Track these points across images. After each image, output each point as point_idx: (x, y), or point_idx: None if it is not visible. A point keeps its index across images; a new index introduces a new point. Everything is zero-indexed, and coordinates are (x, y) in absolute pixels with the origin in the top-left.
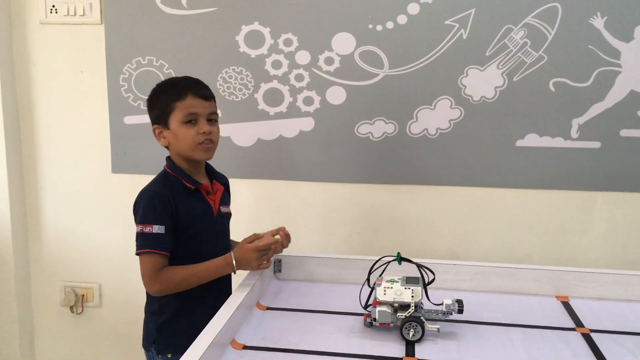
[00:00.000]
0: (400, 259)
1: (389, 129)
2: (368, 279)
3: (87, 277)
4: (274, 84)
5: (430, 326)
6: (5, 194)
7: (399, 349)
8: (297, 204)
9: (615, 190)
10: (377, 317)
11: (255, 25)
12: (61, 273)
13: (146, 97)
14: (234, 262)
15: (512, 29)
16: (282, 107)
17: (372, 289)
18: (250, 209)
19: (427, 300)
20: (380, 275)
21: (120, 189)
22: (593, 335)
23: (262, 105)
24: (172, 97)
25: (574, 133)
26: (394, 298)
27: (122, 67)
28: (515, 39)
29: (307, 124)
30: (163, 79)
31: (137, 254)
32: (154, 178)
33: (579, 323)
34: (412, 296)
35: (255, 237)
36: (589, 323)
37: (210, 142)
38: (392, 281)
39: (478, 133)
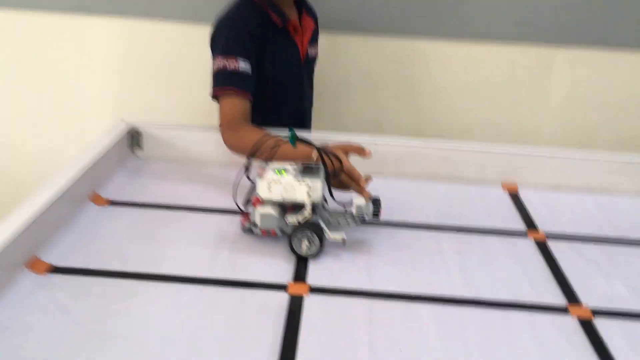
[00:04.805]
0: (294, 138)
1: None
2: (247, 167)
3: None
4: None
5: (332, 235)
6: None
7: (285, 269)
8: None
9: (579, 45)
10: (258, 222)
11: None
12: None
13: None
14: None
15: None
16: None
17: (253, 181)
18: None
19: (331, 198)
20: (263, 165)
21: None
22: (550, 243)
23: None
24: None
25: None
26: (283, 196)
27: None
28: None
29: None
30: None
31: (214, 95)
32: (233, 5)
33: (531, 224)
34: (309, 193)
35: (349, 148)
36: (543, 223)
37: None
38: (282, 171)
39: None
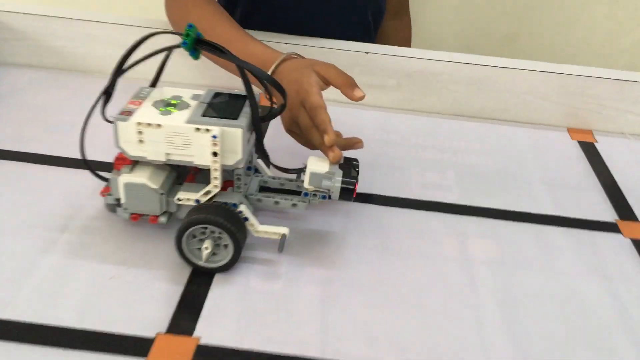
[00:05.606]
0: (192, 41)
1: None
2: (108, 91)
3: None
4: None
5: (262, 229)
6: None
7: (160, 302)
8: None
9: None
10: (122, 198)
11: None
12: None
13: None
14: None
15: None
16: None
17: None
18: None
19: (270, 163)
20: (143, 91)
21: None
22: None
23: None
24: None
25: None
26: (168, 153)
27: None
28: None
29: None
30: None
31: None
32: None
33: (622, 206)
34: (215, 151)
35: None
36: None
37: None
38: (170, 105)
39: None
